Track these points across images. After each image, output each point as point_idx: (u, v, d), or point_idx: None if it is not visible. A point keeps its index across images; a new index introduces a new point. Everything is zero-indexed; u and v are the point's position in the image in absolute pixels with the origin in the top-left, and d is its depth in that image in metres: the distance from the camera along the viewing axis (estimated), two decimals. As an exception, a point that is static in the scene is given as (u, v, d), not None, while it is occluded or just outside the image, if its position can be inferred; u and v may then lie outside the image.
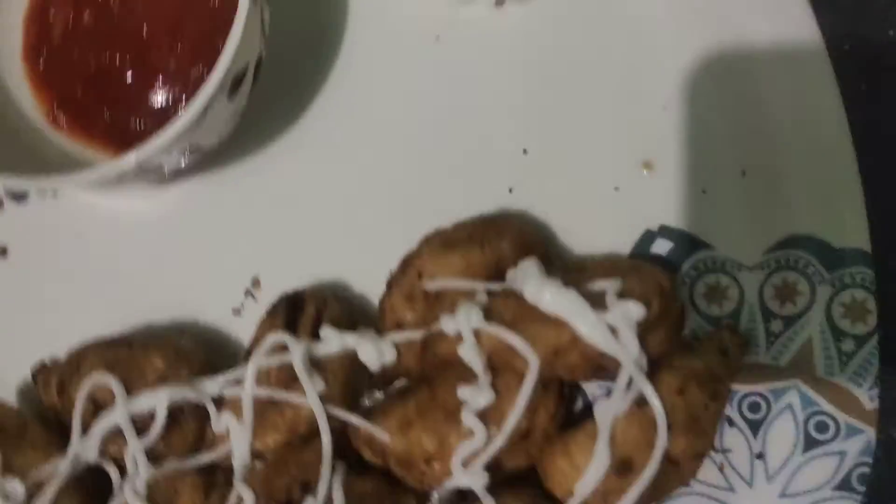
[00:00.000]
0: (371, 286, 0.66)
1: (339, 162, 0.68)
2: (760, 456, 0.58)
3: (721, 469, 0.59)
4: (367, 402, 0.64)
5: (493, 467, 0.57)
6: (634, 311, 0.52)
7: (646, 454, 0.54)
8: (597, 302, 0.54)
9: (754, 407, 0.59)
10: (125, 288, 0.69)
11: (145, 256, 0.69)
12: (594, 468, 0.54)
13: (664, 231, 0.62)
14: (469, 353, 0.55)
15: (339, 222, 0.67)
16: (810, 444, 0.57)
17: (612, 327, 0.52)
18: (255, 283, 0.68)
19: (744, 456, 0.59)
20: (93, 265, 0.70)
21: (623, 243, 0.63)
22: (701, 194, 0.62)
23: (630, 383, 0.54)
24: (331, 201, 0.68)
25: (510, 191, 0.65)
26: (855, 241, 0.57)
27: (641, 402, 0.54)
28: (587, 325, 0.52)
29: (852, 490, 0.56)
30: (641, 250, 0.62)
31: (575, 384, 0.62)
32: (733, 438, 0.59)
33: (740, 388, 0.59)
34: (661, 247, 0.62)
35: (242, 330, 0.66)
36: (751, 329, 0.60)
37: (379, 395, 0.63)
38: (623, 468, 0.54)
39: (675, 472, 0.55)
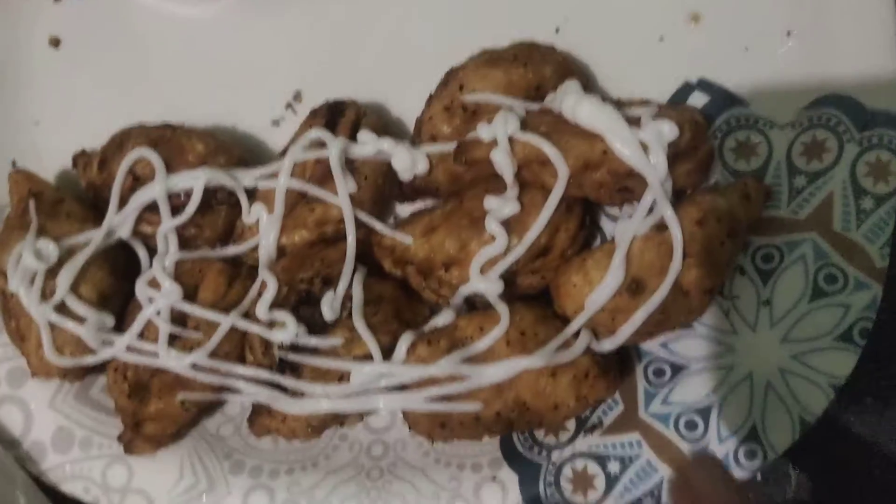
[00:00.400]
0: (408, 113, 0.67)
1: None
2: (767, 303, 0.60)
3: (727, 314, 0.61)
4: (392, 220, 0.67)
5: (509, 281, 0.60)
6: (667, 130, 0.54)
7: (658, 279, 0.56)
8: (632, 123, 0.55)
9: (767, 258, 0.61)
10: (169, 89, 0.71)
11: (193, 60, 0.71)
12: (607, 283, 0.56)
13: (702, 84, 0.63)
14: (501, 158, 0.56)
15: (383, 49, 0.69)
16: (817, 294, 0.59)
17: (643, 145, 0.54)
18: (297, 96, 0.70)
19: (751, 302, 0.61)
20: (141, 64, 0.72)
21: (661, 93, 0.64)
22: (743, 51, 0.63)
23: (653, 207, 0.56)
24: (378, 27, 0.69)
25: (556, 31, 0.66)
26: (888, 104, 0.59)
27: (661, 227, 0.56)
28: (620, 139, 0.54)
29: (853, 342, 0.58)
30: (678, 101, 0.64)
31: (595, 221, 0.64)
32: (742, 286, 0.61)
33: (756, 240, 0.61)
34: (698, 100, 0.63)
35: (279, 141, 0.68)
36: (776, 184, 0.61)
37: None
38: (635, 288, 0.56)
39: (684, 302, 0.57)
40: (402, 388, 0.59)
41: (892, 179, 0.58)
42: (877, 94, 0.59)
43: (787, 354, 0.59)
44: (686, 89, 0.64)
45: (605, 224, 0.65)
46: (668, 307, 0.57)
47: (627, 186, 0.56)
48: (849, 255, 0.59)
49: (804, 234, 0.60)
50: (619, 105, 0.59)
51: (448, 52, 0.64)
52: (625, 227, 0.56)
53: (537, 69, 0.60)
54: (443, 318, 0.61)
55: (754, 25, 0.63)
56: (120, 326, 0.64)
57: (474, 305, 0.62)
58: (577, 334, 0.58)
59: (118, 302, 0.65)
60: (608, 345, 0.59)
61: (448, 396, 0.58)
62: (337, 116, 0.63)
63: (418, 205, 0.66)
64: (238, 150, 0.66)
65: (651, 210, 0.56)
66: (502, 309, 0.58)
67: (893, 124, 0.59)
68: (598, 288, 0.56)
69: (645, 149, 0.54)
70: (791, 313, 0.60)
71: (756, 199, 0.59)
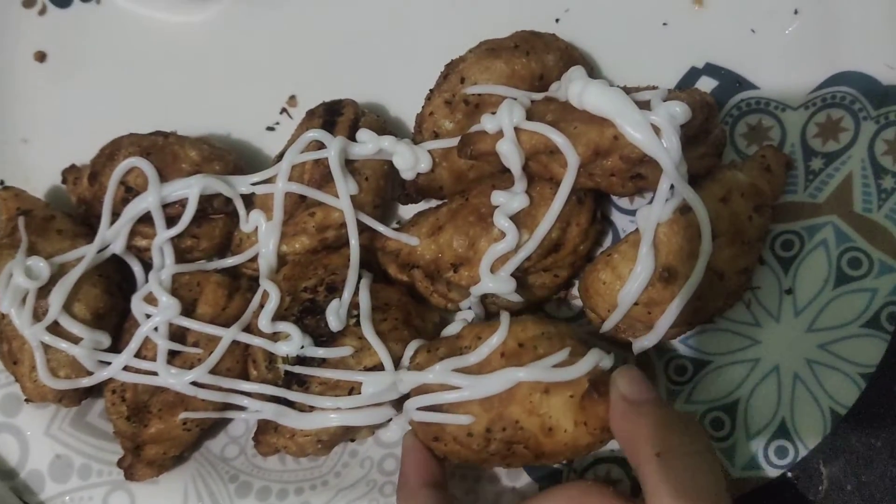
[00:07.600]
0: (407, 112, 0.65)
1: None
2: (790, 291, 0.58)
3: (748, 306, 0.59)
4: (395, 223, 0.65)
5: (521, 280, 0.57)
6: (679, 111, 0.51)
7: (690, 263, 0.53)
8: (642, 106, 0.53)
9: (787, 244, 0.59)
10: (160, 100, 0.69)
11: (182, 70, 0.69)
12: (638, 274, 0.53)
13: (709, 69, 0.62)
14: (508, 149, 0.54)
15: (379, 47, 0.67)
16: (841, 279, 0.57)
17: (655, 128, 0.52)
18: (292, 100, 0.68)
19: (773, 292, 0.58)
20: (129, 75, 0.70)
21: (668, 80, 0.62)
22: (750, 33, 0.61)
23: (672, 189, 0.53)
24: (372, 25, 0.67)
25: (556, 21, 0.64)
26: (904, 79, 0.57)
27: (685, 209, 0.53)
28: (631, 122, 0.52)
29: (881, 328, 0.56)
30: (685, 87, 0.62)
31: (606, 215, 0.62)
32: (763, 276, 0.59)
33: (774, 227, 0.59)
34: (706, 85, 0.62)
35: (275, 146, 0.66)
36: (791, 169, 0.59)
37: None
38: (667, 276, 0.53)
39: (720, 285, 0.55)
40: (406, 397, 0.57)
41: (913, 157, 0.56)
42: (892, 68, 0.57)
43: (814, 344, 0.57)
44: (693, 74, 0.62)
45: (616, 218, 0.63)
46: (704, 292, 0.54)
47: (640, 173, 0.54)
48: (872, 236, 0.57)
49: (824, 217, 0.58)
50: (627, 91, 0.57)
51: (446, 48, 0.62)
52: (646, 214, 0.54)
53: (539, 58, 0.58)
54: (454, 328, 0.58)
55: (760, 5, 0.61)
56: (116, 345, 0.61)
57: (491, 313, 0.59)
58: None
59: (114, 320, 0.62)
60: (647, 341, 0.56)
61: (440, 407, 0.54)
62: (334, 116, 0.61)
63: (422, 206, 0.64)
64: (233, 156, 0.64)
65: (671, 193, 0.54)
66: (503, 318, 0.55)
67: (911, 100, 0.57)
68: (628, 281, 0.54)
69: (657, 132, 0.52)
70: (815, 301, 0.57)
71: (777, 170, 0.57)
